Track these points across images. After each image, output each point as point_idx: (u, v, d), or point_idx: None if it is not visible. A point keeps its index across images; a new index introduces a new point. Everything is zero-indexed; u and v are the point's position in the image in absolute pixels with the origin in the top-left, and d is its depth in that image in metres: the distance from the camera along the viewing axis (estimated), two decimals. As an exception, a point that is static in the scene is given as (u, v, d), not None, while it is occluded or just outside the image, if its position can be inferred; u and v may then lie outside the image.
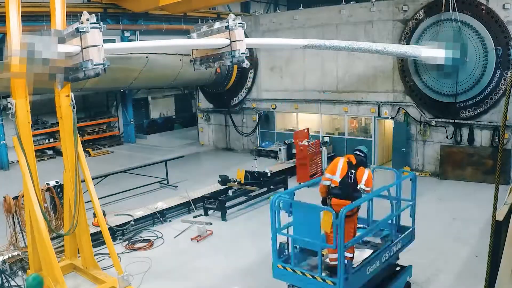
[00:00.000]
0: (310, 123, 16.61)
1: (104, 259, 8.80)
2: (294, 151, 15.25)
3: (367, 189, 6.26)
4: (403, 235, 6.98)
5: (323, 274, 5.78)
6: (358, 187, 6.23)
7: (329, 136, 16.44)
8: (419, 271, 7.93)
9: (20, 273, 8.22)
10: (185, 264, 8.75)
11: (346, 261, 5.69)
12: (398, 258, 7.24)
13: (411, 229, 7.23)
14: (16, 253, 8.33)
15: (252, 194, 12.08)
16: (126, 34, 21.44)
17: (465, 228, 9.80)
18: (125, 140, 22.72)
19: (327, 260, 6.18)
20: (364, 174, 6.29)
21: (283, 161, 16.04)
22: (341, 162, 6.32)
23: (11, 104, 7.21)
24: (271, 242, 6.20)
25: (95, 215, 8.66)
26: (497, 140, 12.94)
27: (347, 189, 6.23)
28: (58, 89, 7.31)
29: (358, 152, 6.53)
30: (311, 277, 5.78)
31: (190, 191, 12.17)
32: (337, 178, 6.23)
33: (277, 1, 28.85)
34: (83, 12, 6.04)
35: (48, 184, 9.00)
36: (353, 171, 6.26)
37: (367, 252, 6.52)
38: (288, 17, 16.94)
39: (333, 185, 6.26)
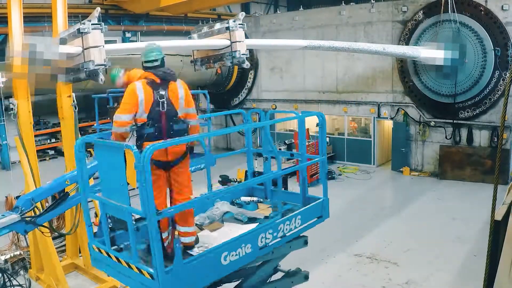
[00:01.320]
0: (310, 123, 16.67)
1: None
2: (294, 151, 15.32)
3: (192, 112, 4.18)
4: (304, 207, 4.73)
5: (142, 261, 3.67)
6: (178, 114, 4.06)
7: (328, 137, 16.50)
8: (418, 270, 8.01)
9: (21, 272, 8.26)
10: (185, 264, 8.78)
11: (180, 241, 3.82)
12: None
13: (321, 200, 4.84)
14: (18, 252, 8.35)
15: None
16: (127, 35, 21.48)
17: (464, 227, 9.85)
18: (125, 140, 22.73)
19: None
20: (179, 90, 4.09)
21: (283, 161, 16.11)
22: (139, 88, 3.93)
23: (13, 104, 7.27)
24: (82, 208, 4.28)
25: (96, 215, 8.70)
26: (495, 140, 12.99)
27: (162, 122, 4.00)
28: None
29: (151, 63, 4.13)
30: (126, 266, 3.71)
31: (190, 191, 12.18)
32: (142, 113, 3.93)
33: (277, 2, 28.88)
34: (96, 8, 6.08)
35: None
36: (162, 93, 3.99)
37: (245, 228, 4.34)
38: (288, 18, 17.00)
39: (139, 124, 3.96)
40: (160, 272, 3.37)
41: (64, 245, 8.80)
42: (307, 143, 14.15)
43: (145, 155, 3.23)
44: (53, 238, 8.01)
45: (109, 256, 3.86)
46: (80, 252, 8.55)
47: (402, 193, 13.12)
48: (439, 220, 10.43)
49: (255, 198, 5.16)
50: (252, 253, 4.02)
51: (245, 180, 12.24)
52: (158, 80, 4.04)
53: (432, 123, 14.15)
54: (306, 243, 4.87)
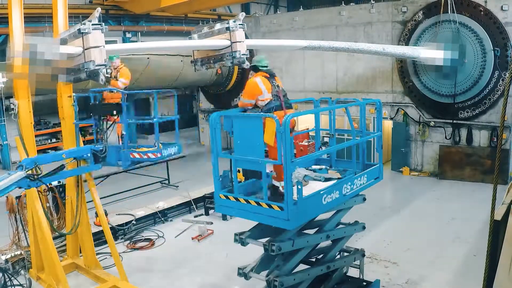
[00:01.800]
0: (310, 123, 16.69)
1: (105, 258, 8.86)
2: (294, 151, 15.30)
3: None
4: (368, 169, 6.27)
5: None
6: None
7: (328, 137, 16.46)
8: (418, 269, 8.02)
9: (22, 272, 8.28)
10: (186, 264, 8.81)
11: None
12: (363, 229, 6.56)
13: (377, 165, 6.39)
14: (18, 252, 8.39)
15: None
16: (128, 35, 21.50)
17: (464, 227, 9.87)
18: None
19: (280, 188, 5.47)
20: (280, 81, 5.98)
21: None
22: (259, 82, 5.69)
23: (13, 104, 7.29)
24: (212, 168, 5.37)
25: (97, 215, 8.72)
26: (495, 140, 13.01)
27: (281, 99, 5.76)
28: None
29: (263, 67, 5.93)
30: (255, 204, 5.01)
31: (191, 191, 12.24)
32: (267, 94, 5.65)
33: (277, 2, 28.91)
34: (97, 9, 6.09)
35: (50, 183, 9.05)
36: (274, 82, 5.80)
37: (324, 184, 5.66)
38: (288, 19, 17.03)
39: (265, 102, 5.66)
40: (290, 204, 4.67)
41: (65, 245, 8.81)
42: (307, 143, 14.17)
43: (287, 121, 4.60)
44: (54, 238, 8.03)
45: (237, 200, 5.18)
46: (80, 252, 8.57)
47: (402, 193, 13.13)
48: (439, 220, 10.45)
49: (323, 166, 6.55)
50: (339, 198, 5.49)
51: (245, 179, 12.22)
52: (268, 76, 5.82)
53: (432, 123, 14.17)
54: (364, 199, 6.35)
